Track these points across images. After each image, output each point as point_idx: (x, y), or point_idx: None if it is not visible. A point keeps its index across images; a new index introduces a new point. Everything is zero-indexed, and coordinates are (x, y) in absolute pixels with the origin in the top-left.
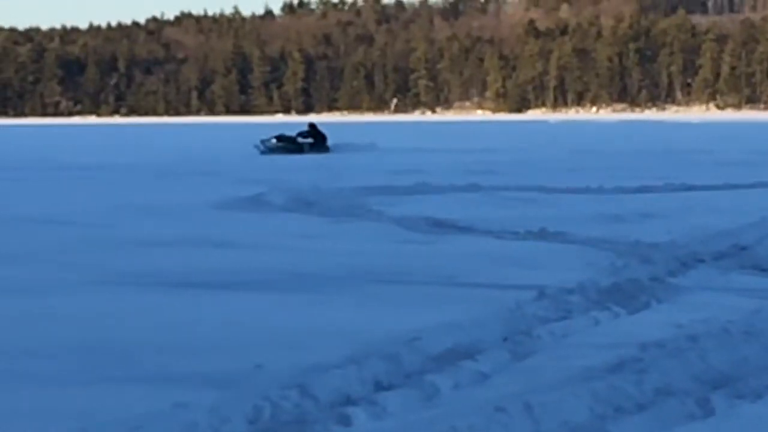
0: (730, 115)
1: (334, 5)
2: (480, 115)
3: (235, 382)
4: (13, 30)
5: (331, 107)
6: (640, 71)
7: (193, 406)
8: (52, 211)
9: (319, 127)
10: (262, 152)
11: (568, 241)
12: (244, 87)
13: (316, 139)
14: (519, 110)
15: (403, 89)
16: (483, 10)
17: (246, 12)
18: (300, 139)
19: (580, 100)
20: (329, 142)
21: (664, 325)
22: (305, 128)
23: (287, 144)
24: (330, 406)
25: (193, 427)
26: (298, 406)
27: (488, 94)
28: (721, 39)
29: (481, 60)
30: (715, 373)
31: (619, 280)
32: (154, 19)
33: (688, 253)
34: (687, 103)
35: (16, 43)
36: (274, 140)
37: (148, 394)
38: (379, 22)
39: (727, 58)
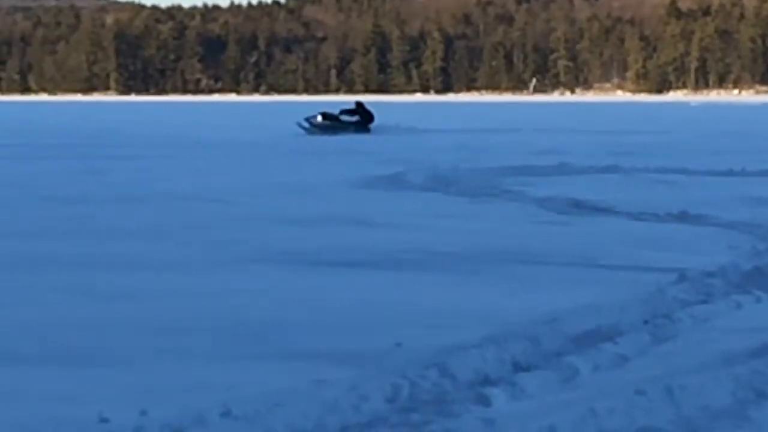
0: None
1: None
2: (620, 96)
3: (374, 361)
4: (155, 8)
5: (469, 87)
6: None
7: (333, 384)
8: (195, 189)
9: (366, 106)
10: (307, 130)
11: (709, 224)
12: (383, 66)
13: (362, 118)
14: (659, 92)
15: (542, 69)
16: None
17: None
18: (344, 117)
19: (721, 82)
20: (375, 123)
21: None
22: (351, 106)
23: (333, 122)
24: (469, 386)
25: (332, 404)
26: (436, 385)
27: (629, 75)
28: None
29: (622, 40)
30: None
31: (762, 264)
32: None
33: None
34: None
35: (158, 21)
36: (319, 117)
37: (288, 371)
38: (519, 2)
39: None
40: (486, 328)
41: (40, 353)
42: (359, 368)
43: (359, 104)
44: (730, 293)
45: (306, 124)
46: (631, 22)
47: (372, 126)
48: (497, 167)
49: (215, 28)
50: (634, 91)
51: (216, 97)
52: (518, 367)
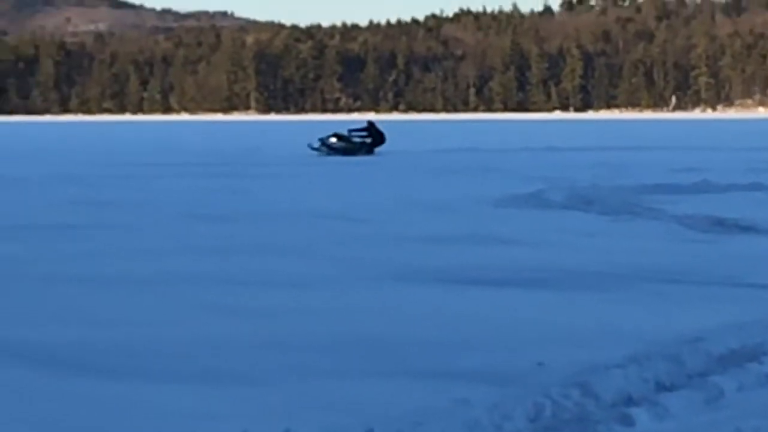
0: None
1: (614, 1)
2: (762, 112)
3: (516, 380)
4: (294, 27)
5: (609, 104)
6: None
7: (474, 403)
8: (334, 207)
9: (378, 126)
10: (319, 151)
11: None
12: (522, 84)
13: (373, 138)
14: None
15: (683, 86)
16: (767, 5)
17: (524, 9)
18: (356, 137)
19: None
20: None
21: None
22: (361, 125)
23: (346, 143)
24: (611, 406)
25: (474, 424)
26: (579, 404)
27: None
28: None
29: (764, 57)
30: None
31: None
32: (433, 16)
33: None
34: None
35: (297, 40)
36: (333, 139)
37: (427, 390)
38: (659, 19)
39: None
40: (628, 348)
41: (184, 371)
42: (501, 387)
43: (371, 124)
44: None
45: (317, 145)
46: None
47: (380, 148)
48: (637, 185)
49: (354, 46)
50: None
51: (355, 116)
52: (661, 387)
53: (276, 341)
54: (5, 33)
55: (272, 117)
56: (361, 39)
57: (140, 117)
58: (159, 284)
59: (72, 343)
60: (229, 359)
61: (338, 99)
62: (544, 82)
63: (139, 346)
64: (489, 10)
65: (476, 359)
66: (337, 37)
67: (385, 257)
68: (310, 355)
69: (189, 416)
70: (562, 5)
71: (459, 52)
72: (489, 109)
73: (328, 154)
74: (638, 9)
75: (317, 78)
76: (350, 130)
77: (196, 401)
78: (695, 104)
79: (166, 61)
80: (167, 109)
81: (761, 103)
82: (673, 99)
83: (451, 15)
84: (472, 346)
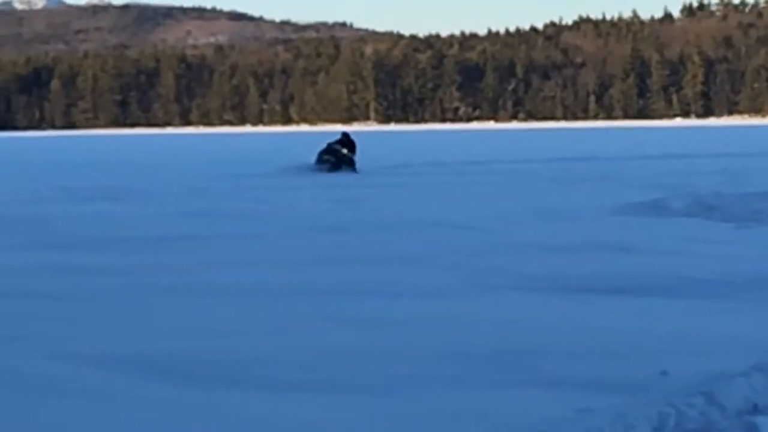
0: None
1: (735, 7)
2: None
3: (639, 389)
4: (413, 37)
5: (731, 111)
6: None
7: (598, 412)
8: (451, 215)
9: (351, 137)
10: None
11: None
12: (642, 91)
13: (349, 150)
14: None
15: None
16: None
17: (644, 15)
18: (343, 151)
19: None
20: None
21: None
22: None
23: (338, 157)
24: (736, 414)
25: None
26: (703, 413)
27: None
28: None
29: None
30: None
31: None
32: (552, 24)
33: None
34: None
35: (416, 50)
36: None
37: (553, 399)
38: None
39: None
40: (754, 356)
41: (303, 380)
42: (625, 396)
43: (345, 135)
44: None
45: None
46: None
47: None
48: (761, 192)
49: (473, 55)
50: None
51: (474, 125)
52: None
53: (397, 351)
54: (127, 47)
55: (392, 127)
56: (479, 48)
57: (260, 128)
58: (281, 295)
59: (185, 352)
60: (353, 369)
61: (457, 108)
62: (665, 89)
63: (262, 356)
64: (608, 17)
65: (598, 368)
66: (456, 46)
67: (506, 266)
68: (433, 365)
69: (311, 426)
70: (682, 11)
71: (578, 60)
72: (609, 117)
73: (321, 170)
74: (760, 14)
75: (436, 87)
76: (330, 144)
77: (319, 411)
78: None
79: (286, 72)
80: (287, 120)
81: None
82: None
83: (570, 22)
84: (595, 355)
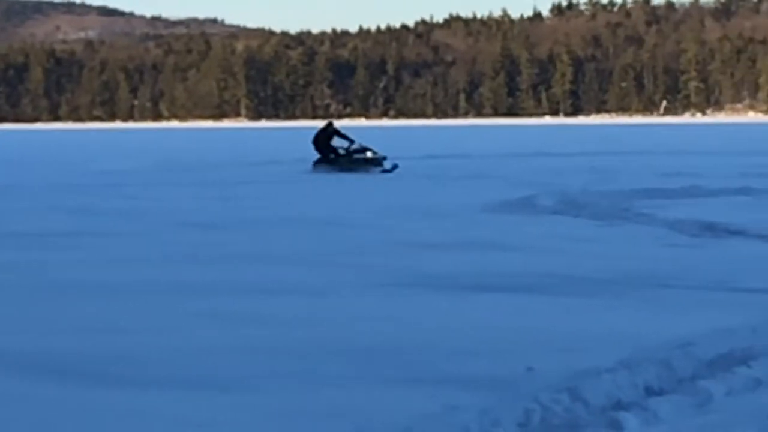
0: None
1: (604, 6)
2: (752, 117)
3: (505, 385)
4: (284, 34)
5: (599, 109)
6: None
7: (464, 409)
8: (327, 213)
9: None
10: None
11: None
12: (512, 89)
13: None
14: None
15: (672, 91)
16: (756, 9)
17: (514, 14)
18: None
19: None
20: None
21: None
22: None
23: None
24: (601, 411)
25: (464, 430)
26: (568, 410)
27: (761, 95)
28: None
29: (754, 61)
30: None
31: None
32: (423, 22)
33: None
34: None
35: (287, 47)
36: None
37: (419, 396)
38: (648, 23)
39: None
40: (618, 353)
41: (174, 378)
42: (491, 393)
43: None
44: None
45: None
46: (763, 42)
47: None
48: (628, 190)
49: (344, 53)
50: (766, 112)
51: (345, 122)
52: (651, 392)
53: (275, 349)
54: None
55: (263, 123)
56: (351, 45)
57: (131, 124)
58: (162, 293)
59: (68, 350)
60: (228, 367)
61: (328, 105)
62: (534, 88)
63: (138, 354)
64: (479, 15)
65: (467, 365)
66: (327, 43)
67: (381, 263)
68: (303, 363)
69: (186, 424)
70: (551, 10)
71: (449, 58)
72: (479, 115)
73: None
74: (628, 14)
75: (307, 84)
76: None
77: (193, 409)
78: (685, 108)
79: (156, 68)
80: (157, 117)
81: (751, 107)
82: (663, 103)
83: (441, 21)
84: (463, 351)
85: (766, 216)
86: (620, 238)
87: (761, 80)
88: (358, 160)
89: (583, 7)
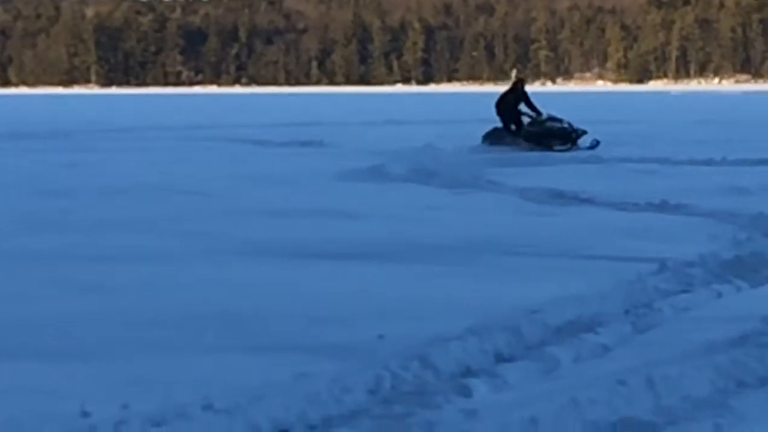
0: None
1: None
2: (600, 86)
3: (356, 353)
4: (135, 0)
5: (450, 77)
6: (764, 42)
7: (314, 376)
8: (178, 181)
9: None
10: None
11: (689, 214)
12: (364, 57)
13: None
14: (640, 81)
15: (523, 60)
16: None
17: None
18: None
19: (702, 71)
20: None
21: None
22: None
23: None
24: (450, 377)
25: (314, 397)
26: (418, 376)
27: (609, 64)
28: None
29: (603, 30)
30: None
31: (742, 254)
32: None
33: None
34: None
35: (138, 13)
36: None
37: (270, 364)
38: None
39: None
40: (468, 320)
41: (23, 348)
42: (342, 360)
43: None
44: (710, 283)
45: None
46: (612, 11)
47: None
48: (479, 158)
49: (196, 20)
50: (614, 81)
51: (197, 89)
52: (500, 358)
53: (119, 317)
54: None
55: (113, 90)
56: (202, 12)
57: None
58: None
59: None
60: (71, 336)
61: (180, 72)
62: (386, 56)
63: None
64: None
65: (317, 333)
66: (179, 10)
67: (229, 231)
68: (153, 330)
69: (25, 393)
70: None
71: (301, 26)
72: (331, 83)
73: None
74: None
75: (158, 51)
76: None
77: (33, 378)
78: (535, 77)
79: (5, 33)
80: (5, 83)
81: (600, 76)
82: (514, 72)
83: None
84: (314, 320)
85: (613, 184)
86: (470, 206)
87: (610, 49)
88: (550, 132)
89: None
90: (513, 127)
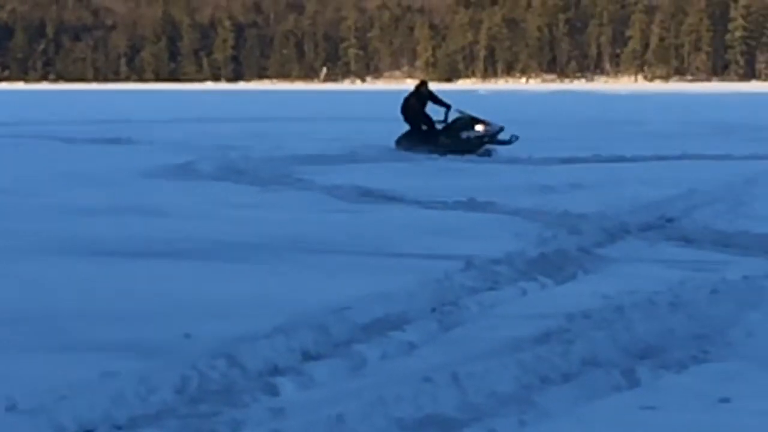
0: (658, 86)
1: None
2: (410, 84)
3: (163, 352)
4: None
5: (261, 75)
6: (570, 42)
7: (121, 375)
8: None
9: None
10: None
11: (496, 212)
12: (174, 54)
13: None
14: (449, 80)
15: (333, 58)
16: None
17: None
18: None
19: (509, 71)
20: None
21: (591, 295)
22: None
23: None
24: (258, 376)
25: (120, 396)
26: (225, 375)
27: (418, 63)
28: (650, 10)
29: (412, 29)
30: (640, 344)
31: (547, 251)
32: None
33: (616, 224)
34: (616, 74)
35: None
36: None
37: (76, 363)
38: None
39: (656, 29)
40: (276, 318)
41: None
42: (148, 360)
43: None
44: (516, 280)
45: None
46: (421, 11)
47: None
48: (288, 156)
49: (2, 15)
50: None
51: (3, 86)
52: (308, 356)
53: None
54: None
55: None
56: (8, 7)
57: None
58: None
59: None
60: None
61: None
62: (196, 53)
63: None
64: None
65: (125, 332)
66: None
67: (37, 229)
68: None
69: None
70: None
71: (110, 22)
72: (141, 80)
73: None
74: None
75: None
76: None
77: None
78: (345, 76)
79: None
80: None
81: (409, 75)
82: (324, 70)
83: None
84: (121, 318)
85: (422, 182)
86: (280, 204)
87: (419, 48)
88: (465, 138)
89: None
90: (424, 127)
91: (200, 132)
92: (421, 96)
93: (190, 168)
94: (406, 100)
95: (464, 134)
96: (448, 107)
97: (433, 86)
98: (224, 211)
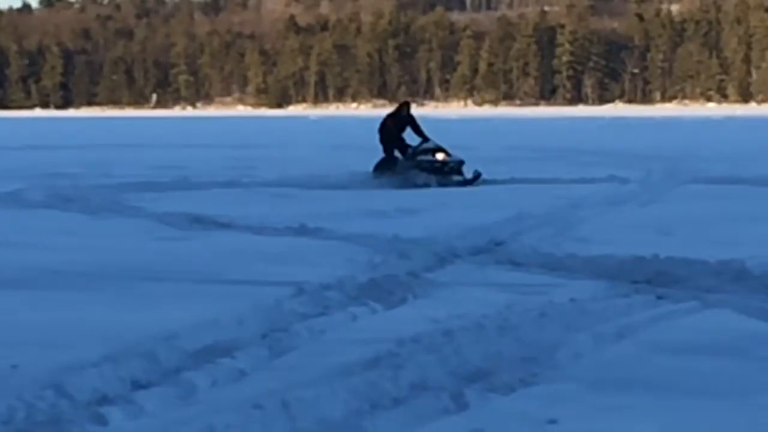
0: (487, 111)
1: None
2: (241, 110)
3: None
4: None
5: (90, 102)
6: (400, 67)
7: None
8: None
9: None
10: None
11: (327, 237)
12: (1, 81)
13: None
14: (280, 105)
15: (163, 84)
16: (244, 5)
17: (3, 5)
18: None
19: (340, 96)
20: None
21: (421, 320)
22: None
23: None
24: (86, 406)
25: None
26: (53, 406)
27: (249, 89)
28: (479, 36)
29: (242, 55)
30: (469, 367)
31: (377, 276)
32: None
33: (446, 248)
34: (446, 99)
35: None
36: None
37: None
38: (139, 17)
39: (484, 54)
40: (104, 347)
41: None
42: None
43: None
44: (346, 305)
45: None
46: (251, 36)
47: None
48: (118, 183)
49: None
50: (254, 105)
51: None
52: (137, 385)
53: None
54: None
55: None
56: None
57: None
58: None
59: None
60: None
61: None
62: (24, 80)
63: None
64: None
65: None
66: None
67: None
68: None
69: None
70: (41, 2)
71: None
72: None
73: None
74: (118, 7)
75: None
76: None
77: None
78: (175, 102)
79: None
80: None
81: (240, 101)
82: (154, 97)
83: None
84: None
85: (252, 208)
86: (109, 232)
87: (250, 74)
88: (426, 164)
89: (72, 0)
90: (397, 153)
91: (29, 160)
92: (400, 118)
93: (18, 196)
94: (384, 121)
95: (422, 157)
96: (425, 139)
97: (265, 111)
98: (51, 239)
